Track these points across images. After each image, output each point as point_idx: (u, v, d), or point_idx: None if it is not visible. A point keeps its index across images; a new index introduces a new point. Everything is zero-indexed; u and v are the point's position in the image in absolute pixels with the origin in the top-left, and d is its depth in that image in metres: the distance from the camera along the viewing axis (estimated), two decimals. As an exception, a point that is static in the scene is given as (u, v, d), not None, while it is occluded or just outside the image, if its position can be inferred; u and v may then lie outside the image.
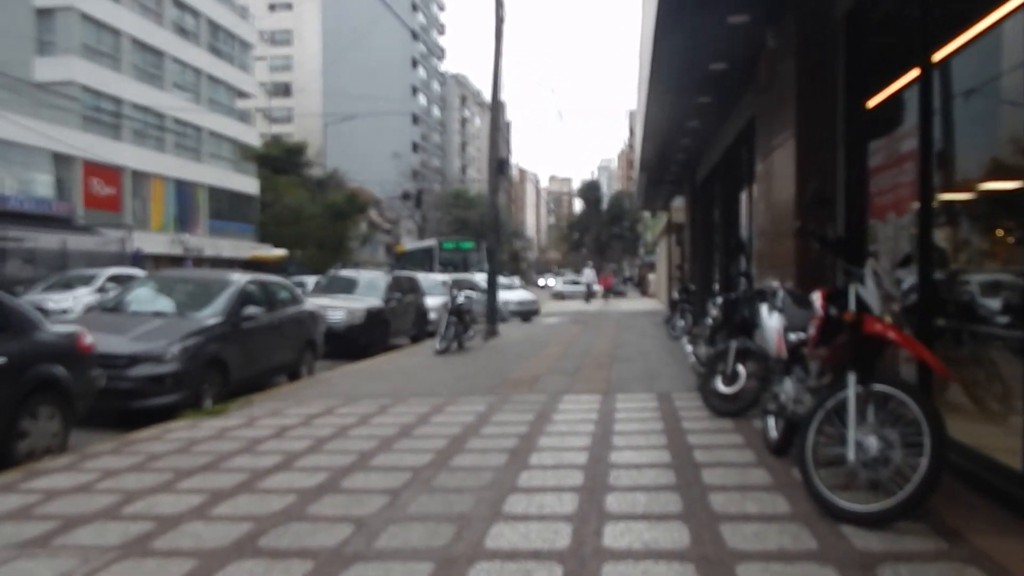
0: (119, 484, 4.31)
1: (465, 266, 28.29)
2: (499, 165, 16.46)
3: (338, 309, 12.34)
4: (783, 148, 7.07)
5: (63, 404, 5.35)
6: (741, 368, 6.18)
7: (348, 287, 13.89)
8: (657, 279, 35.42)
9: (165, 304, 7.73)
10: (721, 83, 9.43)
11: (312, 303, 12.38)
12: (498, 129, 16.59)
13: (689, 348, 7.37)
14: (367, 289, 13.68)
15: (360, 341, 12.32)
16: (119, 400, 6.53)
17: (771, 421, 4.84)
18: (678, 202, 26.55)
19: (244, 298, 7.96)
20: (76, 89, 24.59)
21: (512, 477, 4.28)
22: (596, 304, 31.69)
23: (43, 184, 23.30)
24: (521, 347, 13.03)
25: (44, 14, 23.74)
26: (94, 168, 25.21)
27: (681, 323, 13.90)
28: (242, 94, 40.95)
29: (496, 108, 16.27)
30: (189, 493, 4.09)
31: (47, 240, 18.91)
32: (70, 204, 23.47)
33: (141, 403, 6.57)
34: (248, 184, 36.73)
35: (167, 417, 6.51)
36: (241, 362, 7.72)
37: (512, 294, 21.70)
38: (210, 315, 7.54)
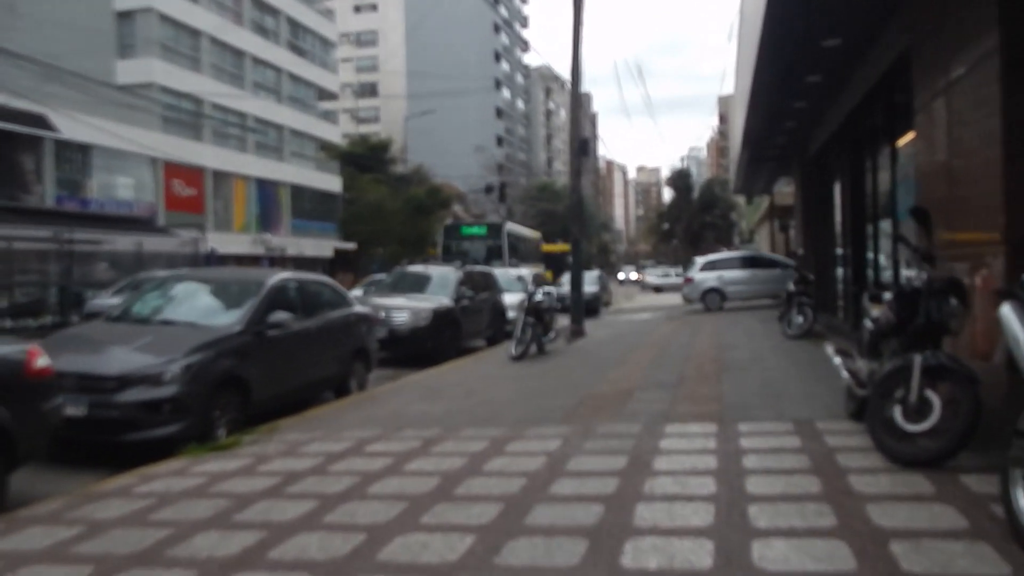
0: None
1: (485, 257, 22.51)
2: (581, 145, 14.66)
3: (401, 310, 11.00)
4: (974, 74, 4.97)
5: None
6: (933, 395, 4.18)
7: (417, 285, 12.54)
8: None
9: (178, 310, 6.54)
10: (852, 18, 7.29)
11: (370, 304, 11.21)
12: (579, 106, 14.80)
13: (838, 360, 5.38)
14: (437, 287, 12.28)
15: (426, 345, 10.93)
16: (104, 433, 5.33)
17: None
18: (781, 185, 23.78)
19: (271, 302, 6.64)
20: (156, 90, 24.82)
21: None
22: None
23: (124, 186, 23.62)
24: (609, 349, 11.24)
25: (124, 17, 24.02)
26: (175, 169, 25.38)
27: (799, 320, 11.66)
28: (324, 92, 40.98)
29: (576, 81, 14.48)
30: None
31: (124, 242, 18.76)
32: (151, 206, 23.67)
33: (132, 436, 5.34)
34: (331, 182, 36.61)
35: (165, 452, 5.25)
36: (265, 380, 6.40)
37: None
38: (228, 323, 6.27)
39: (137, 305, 6.67)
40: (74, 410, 5.26)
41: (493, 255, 22.97)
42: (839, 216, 12.49)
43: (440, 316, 11.20)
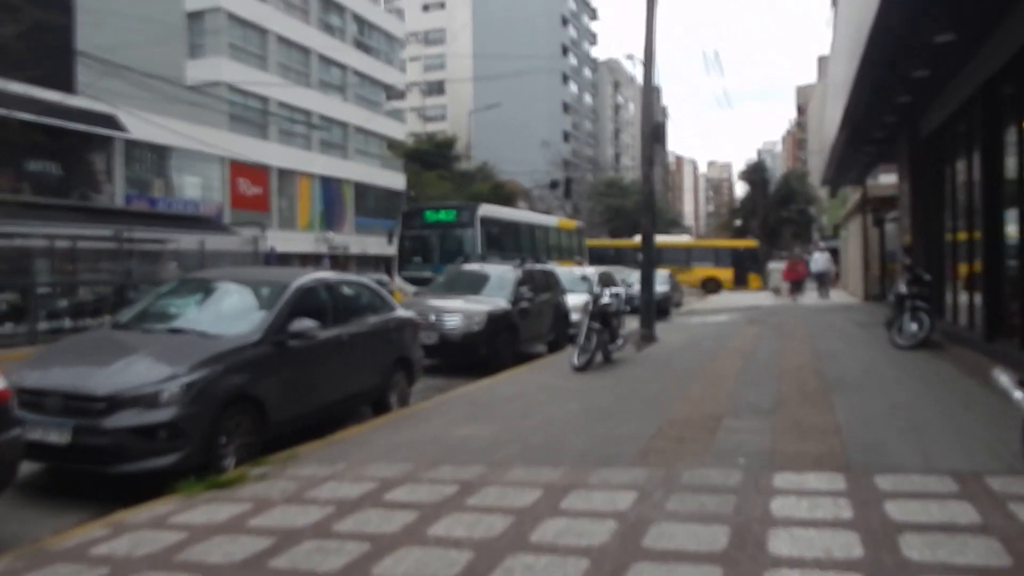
0: None
1: (456, 250, 16.86)
2: (654, 131, 13.31)
3: (453, 313, 10.01)
4: None
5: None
6: None
7: (473, 285, 11.50)
8: (845, 268, 29.74)
9: (189, 317, 5.72)
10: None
11: (420, 305, 10.29)
12: (652, 87, 13.44)
13: (1020, 395, 4.00)
14: (494, 287, 11.23)
15: (480, 352, 9.91)
16: (90, 462, 4.53)
17: None
18: (877, 177, 21.54)
19: (295, 307, 5.73)
20: (224, 89, 24.90)
21: None
22: (769, 299, 26.21)
23: (191, 185, 23.77)
24: (685, 358, 9.92)
25: (194, 16, 24.18)
26: (241, 168, 25.44)
27: (913, 327, 10.01)
28: (390, 89, 40.81)
29: (650, 60, 13.13)
30: None
31: (187, 241, 18.68)
32: (217, 204, 23.73)
33: (122, 468, 4.52)
34: (395, 180, 36.29)
35: (163, 485, 4.41)
36: (286, 398, 5.50)
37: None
38: (243, 333, 5.39)
39: (147, 310, 5.90)
40: (57, 436, 4.50)
41: (464, 247, 17.03)
42: (962, 203, 10.72)
43: (496, 320, 10.15)
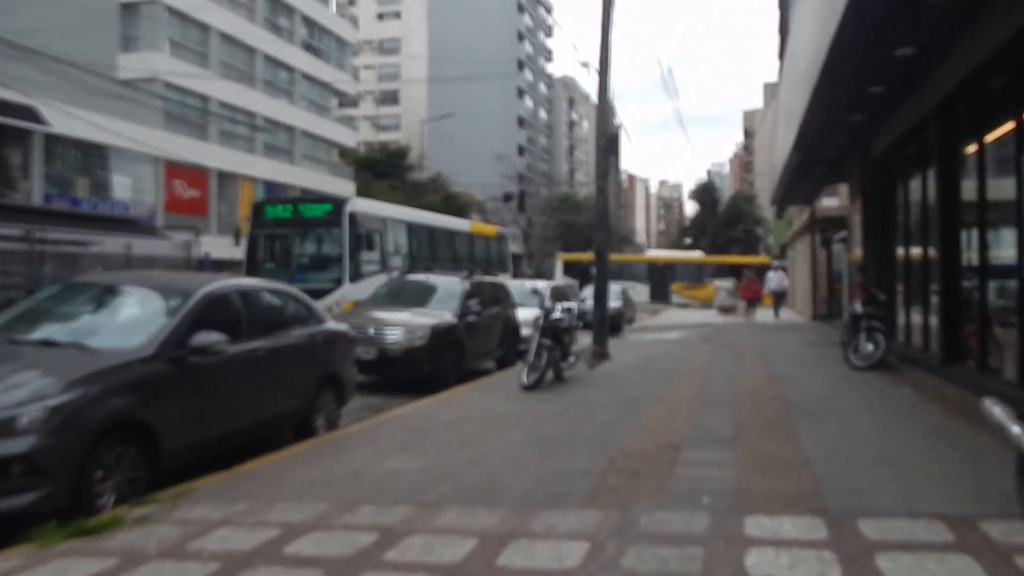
0: None
1: (318, 256, 14.01)
2: (608, 142, 12.93)
3: (393, 327, 9.29)
4: None
5: None
6: None
7: (418, 296, 10.78)
8: (793, 287, 30.07)
9: (68, 327, 4.89)
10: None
11: (360, 317, 9.54)
12: (607, 98, 13.09)
13: (1018, 430, 3.57)
14: (440, 300, 10.55)
15: (422, 369, 9.21)
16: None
17: None
18: (820, 199, 21.78)
19: (198, 318, 4.96)
20: (159, 86, 23.59)
21: None
22: (717, 316, 26.02)
23: (120, 186, 22.35)
24: (639, 378, 9.43)
25: (128, 8, 22.89)
26: (177, 169, 24.11)
27: (868, 347, 9.77)
28: (342, 95, 39.79)
29: (605, 72, 12.78)
30: None
31: (112, 244, 17.35)
32: (149, 207, 22.35)
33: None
34: (343, 187, 35.22)
35: (20, 533, 3.59)
36: (183, 424, 4.72)
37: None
38: (131, 347, 4.59)
39: (19, 318, 5.02)
40: None
41: (328, 252, 13.64)
42: (911, 225, 10.62)
43: (440, 334, 9.48)
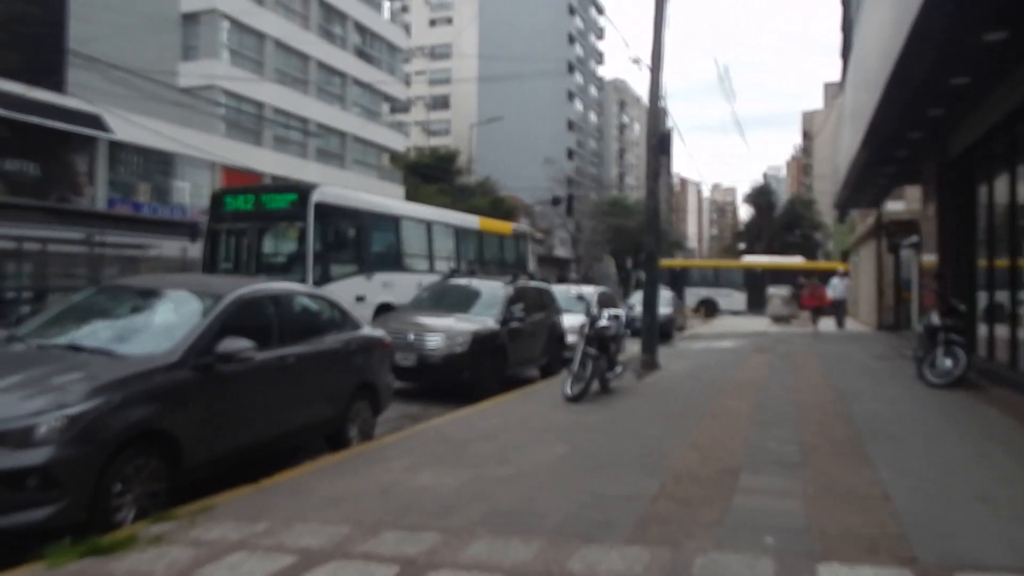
0: None
1: (280, 254, 11.96)
2: (659, 142, 12.42)
3: (434, 333, 9.03)
4: None
5: None
6: None
7: (461, 302, 10.49)
8: (856, 296, 28.60)
9: (95, 332, 4.75)
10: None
11: (400, 323, 9.31)
12: (658, 97, 12.57)
13: None
14: (483, 305, 10.25)
15: (462, 376, 8.92)
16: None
17: None
18: (891, 202, 20.58)
19: (226, 323, 4.76)
20: (217, 93, 24.13)
21: None
22: (772, 325, 24.64)
23: (180, 191, 22.92)
24: (690, 390, 8.91)
25: (189, 18, 23.50)
26: (233, 174, 24.60)
27: (947, 363, 8.99)
28: (393, 101, 40.15)
29: (657, 69, 12.28)
30: None
31: (171, 247, 17.73)
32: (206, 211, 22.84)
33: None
34: (393, 191, 35.47)
35: (28, 551, 3.42)
36: (208, 434, 4.52)
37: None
38: (157, 353, 4.42)
39: (52, 321, 4.93)
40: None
41: (291, 250, 11.62)
42: (995, 229, 9.77)
43: (481, 341, 9.16)
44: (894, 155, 12.74)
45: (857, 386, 9.19)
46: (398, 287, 12.65)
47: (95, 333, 4.69)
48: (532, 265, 19.24)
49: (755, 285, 33.99)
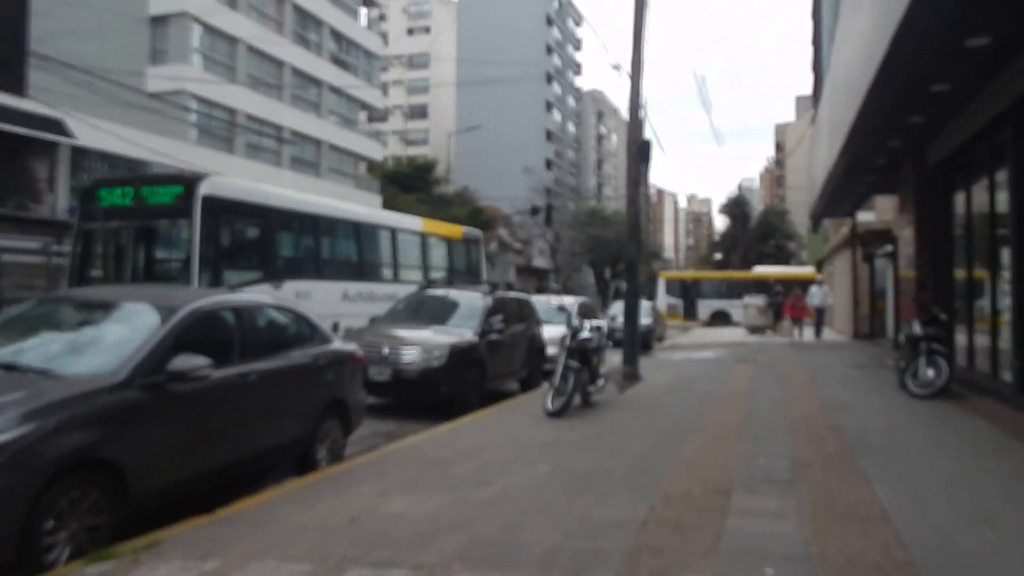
0: None
1: (163, 259, 10.30)
2: (639, 149, 12.24)
3: (410, 346, 8.68)
4: None
5: None
6: None
7: (439, 313, 10.14)
8: (830, 305, 28.58)
9: (35, 348, 4.33)
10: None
11: (374, 335, 8.95)
12: (639, 104, 12.41)
13: None
14: (461, 316, 9.91)
15: (440, 391, 8.57)
16: None
17: None
18: (862, 213, 20.63)
19: (180, 338, 4.38)
20: (188, 99, 23.55)
21: None
22: (749, 336, 24.45)
23: (146, 198, 22.25)
24: (675, 403, 8.67)
25: (158, 21, 22.93)
26: (203, 182, 24.01)
27: (929, 373, 8.85)
28: (371, 110, 39.74)
29: (638, 75, 12.12)
30: None
31: (32, 250, 16.80)
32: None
33: None
34: (370, 200, 35.00)
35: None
36: (158, 461, 4.13)
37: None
38: (100, 372, 4.02)
39: (-11, 337, 4.51)
40: None
41: (175, 254, 10.09)
42: (974, 238, 9.71)
43: (460, 354, 8.83)
44: (873, 163, 12.72)
45: (842, 397, 9.01)
46: (317, 297, 11.07)
47: (34, 350, 4.28)
48: (484, 273, 17.63)
49: (771, 296, 33.85)
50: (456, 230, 17.36)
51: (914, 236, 12.09)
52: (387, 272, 13.65)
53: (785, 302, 21.48)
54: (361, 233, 13.34)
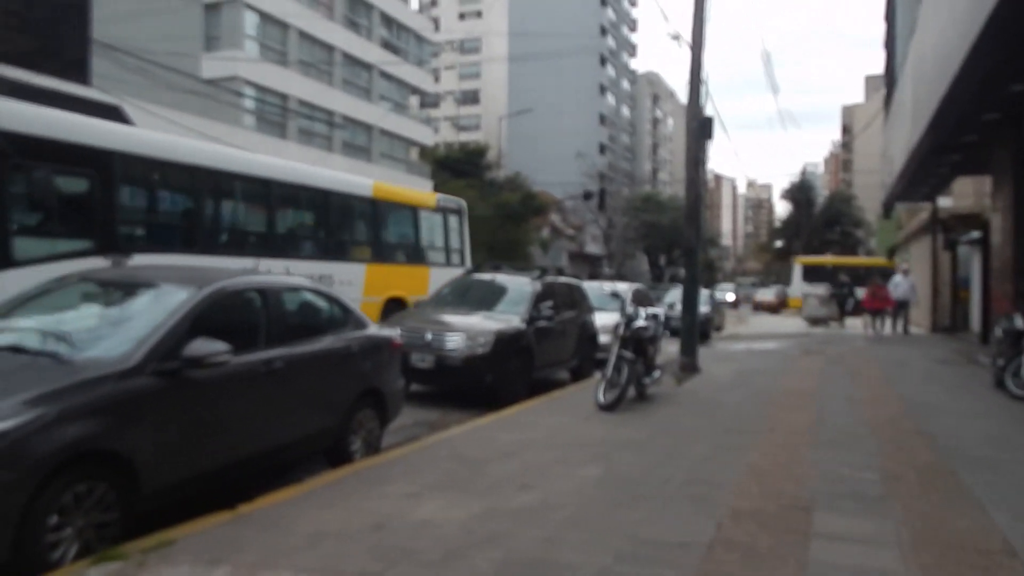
0: None
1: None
2: (700, 126, 11.45)
3: (454, 332, 8.25)
4: None
5: None
6: None
7: (486, 299, 9.67)
8: (917, 297, 26.57)
9: (49, 331, 4.02)
10: None
11: (418, 321, 8.57)
12: (699, 78, 11.60)
13: None
14: (509, 302, 9.44)
15: (484, 379, 8.12)
16: None
17: None
18: (941, 198, 19.06)
19: (197, 322, 4.03)
20: (241, 85, 23.73)
21: None
22: (813, 328, 22.93)
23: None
24: (737, 399, 7.99)
25: (211, 8, 23.12)
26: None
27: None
28: (423, 95, 39.55)
29: (698, 48, 11.31)
30: None
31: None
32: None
33: None
34: (421, 186, 34.91)
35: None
36: (172, 453, 3.80)
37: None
38: (109, 357, 3.70)
39: (3, 318, 4.25)
40: None
41: None
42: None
43: (506, 341, 8.35)
44: (961, 140, 11.58)
45: (928, 397, 8.16)
46: None
47: (44, 332, 3.99)
48: (468, 252, 14.48)
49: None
50: (428, 198, 14.17)
51: (1010, 221, 10.95)
52: (312, 247, 10.78)
53: (865, 293, 19.13)
54: (272, 195, 10.04)
